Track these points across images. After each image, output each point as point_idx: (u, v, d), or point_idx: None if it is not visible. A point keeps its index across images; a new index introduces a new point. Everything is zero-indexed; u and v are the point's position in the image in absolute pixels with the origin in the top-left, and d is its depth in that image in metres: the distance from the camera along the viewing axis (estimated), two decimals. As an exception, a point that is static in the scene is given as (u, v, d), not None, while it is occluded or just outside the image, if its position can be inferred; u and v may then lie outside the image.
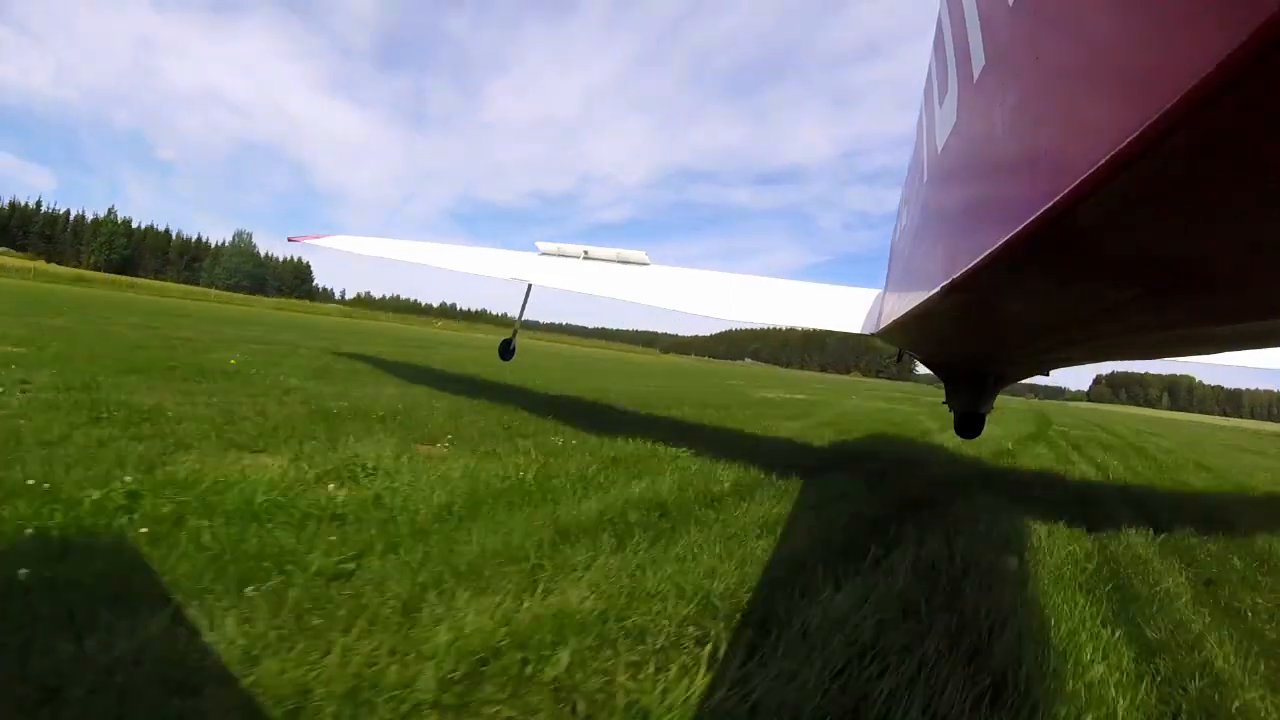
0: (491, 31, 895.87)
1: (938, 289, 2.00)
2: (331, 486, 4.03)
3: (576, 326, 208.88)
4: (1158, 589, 3.96)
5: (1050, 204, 0.95)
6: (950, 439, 10.87)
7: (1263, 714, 2.58)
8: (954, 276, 1.71)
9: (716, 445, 7.61)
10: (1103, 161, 0.78)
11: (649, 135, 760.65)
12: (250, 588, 2.52)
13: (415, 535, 3.33)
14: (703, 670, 2.34)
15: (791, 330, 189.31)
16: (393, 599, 2.56)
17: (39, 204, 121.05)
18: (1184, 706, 2.54)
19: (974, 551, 4.15)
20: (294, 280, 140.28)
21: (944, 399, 6.71)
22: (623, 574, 3.09)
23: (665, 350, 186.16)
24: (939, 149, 2.14)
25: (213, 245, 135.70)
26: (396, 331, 44.14)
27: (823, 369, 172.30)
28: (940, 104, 2.07)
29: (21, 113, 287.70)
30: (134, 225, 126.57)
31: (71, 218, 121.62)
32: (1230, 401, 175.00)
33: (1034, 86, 1.10)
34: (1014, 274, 1.54)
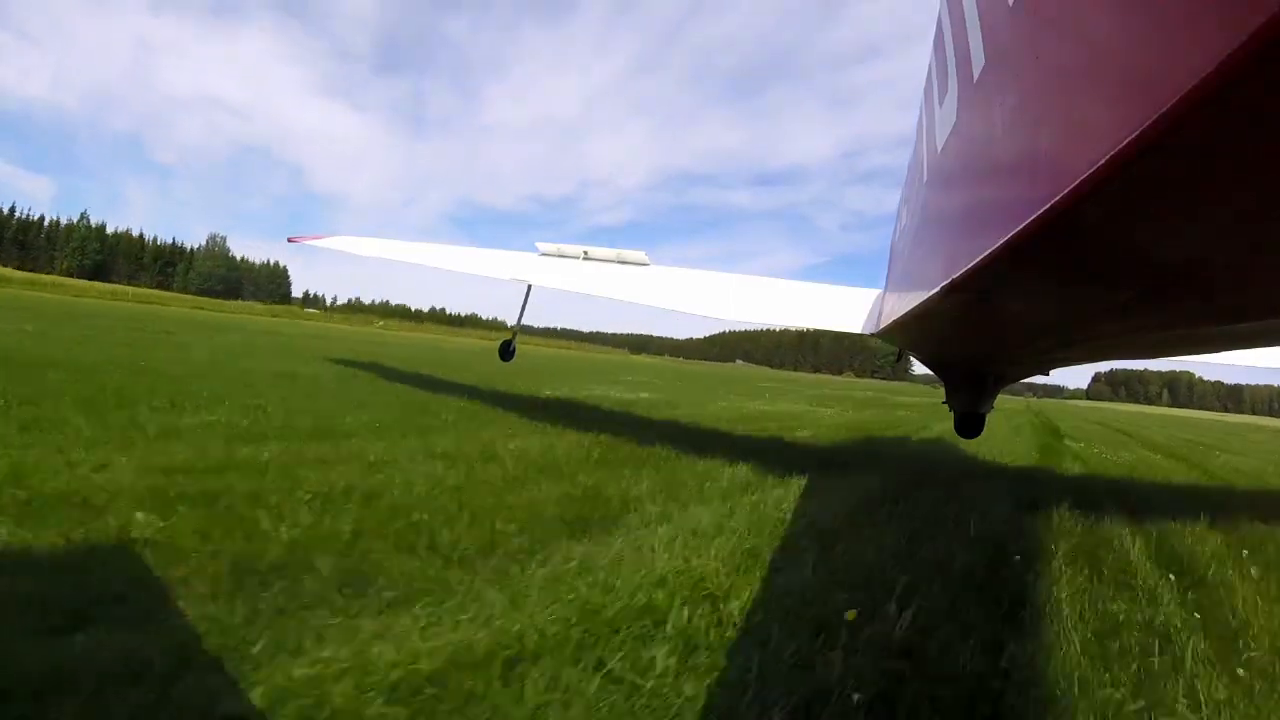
0: (490, 34, 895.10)
1: (938, 289, 2.00)
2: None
3: (571, 330, 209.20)
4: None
5: (1050, 204, 0.95)
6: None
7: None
8: (954, 276, 1.71)
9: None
10: (1103, 162, 0.78)
11: (648, 138, 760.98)
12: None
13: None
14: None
15: (785, 332, 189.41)
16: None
17: (13, 210, 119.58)
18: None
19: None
20: (270, 285, 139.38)
21: (943, 399, 6.71)
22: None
23: (657, 353, 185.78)
24: (939, 149, 2.14)
25: (189, 250, 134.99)
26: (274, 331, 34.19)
27: (816, 370, 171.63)
28: (940, 104, 2.07)
29: (20, 118, 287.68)
30: (109, 230, 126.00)
31: (46, 223, 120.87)
32: (1231, 397, 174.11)
33: (1034, 86, 1.10)
34: (1014, 274, 1.53)
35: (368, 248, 8.95)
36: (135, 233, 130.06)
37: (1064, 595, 3.21)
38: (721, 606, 2.66)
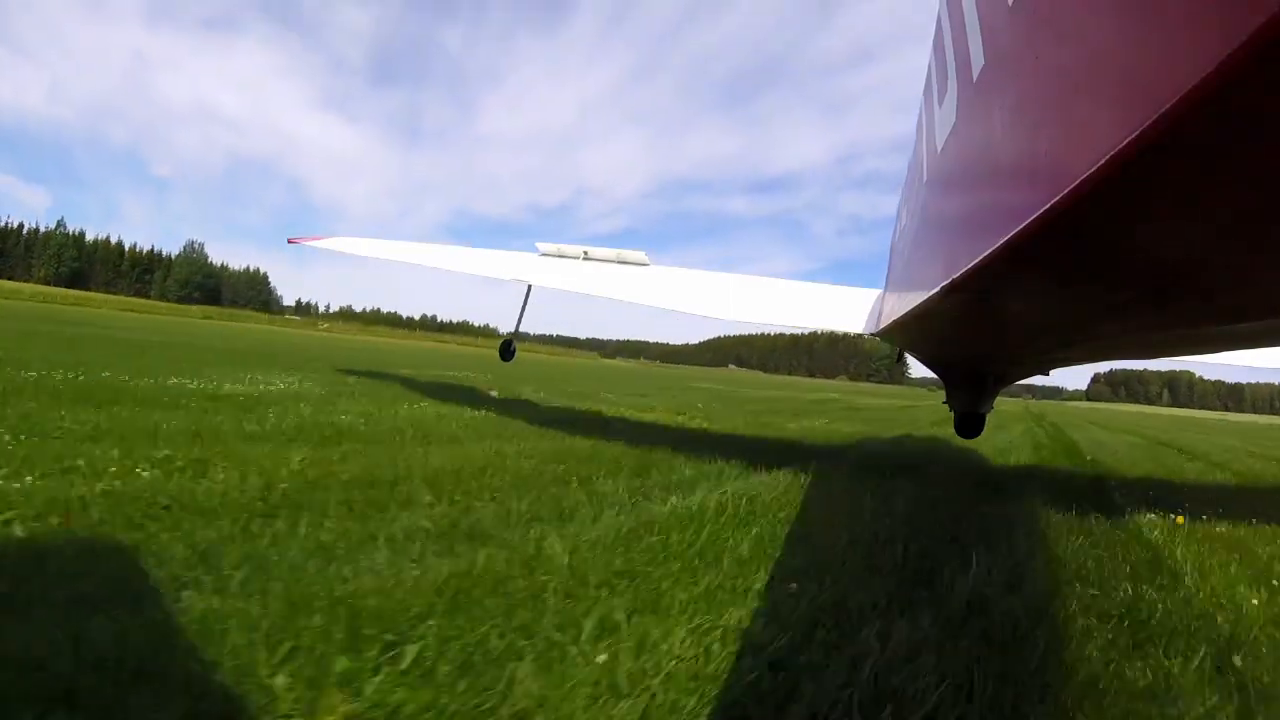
0: (485, 45, 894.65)
1: (938, 289, 2.00)
2: None
3: (568, 336, 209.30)
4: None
5: (1050, 204, 0.95)
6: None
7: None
8: (954, 276, 1.71)
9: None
10: (1102, 162, 0.78)
11: (644, 146, 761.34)
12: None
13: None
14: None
15: (780, 336, 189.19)
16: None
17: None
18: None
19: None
20: (250, 291, 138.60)
21: (943, 399, 6.71)
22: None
23: (653, 359, 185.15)
24: (938, 149, 2.14)
25: (170, 257, 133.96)
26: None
27: (811, 374, 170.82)
28: (940, 104, 2.06)
29: (16, 131, 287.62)
30: (88, 238, 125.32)
31: (25, 231, 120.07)
32: (1232, 396, 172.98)
33: (1033, 87, 1.10)
34: (1014, 274, 1.53)
35: (367, 248, 8.94)
36: (114, 240, 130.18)
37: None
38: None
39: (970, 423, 6.68)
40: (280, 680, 1.68)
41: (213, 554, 2.50)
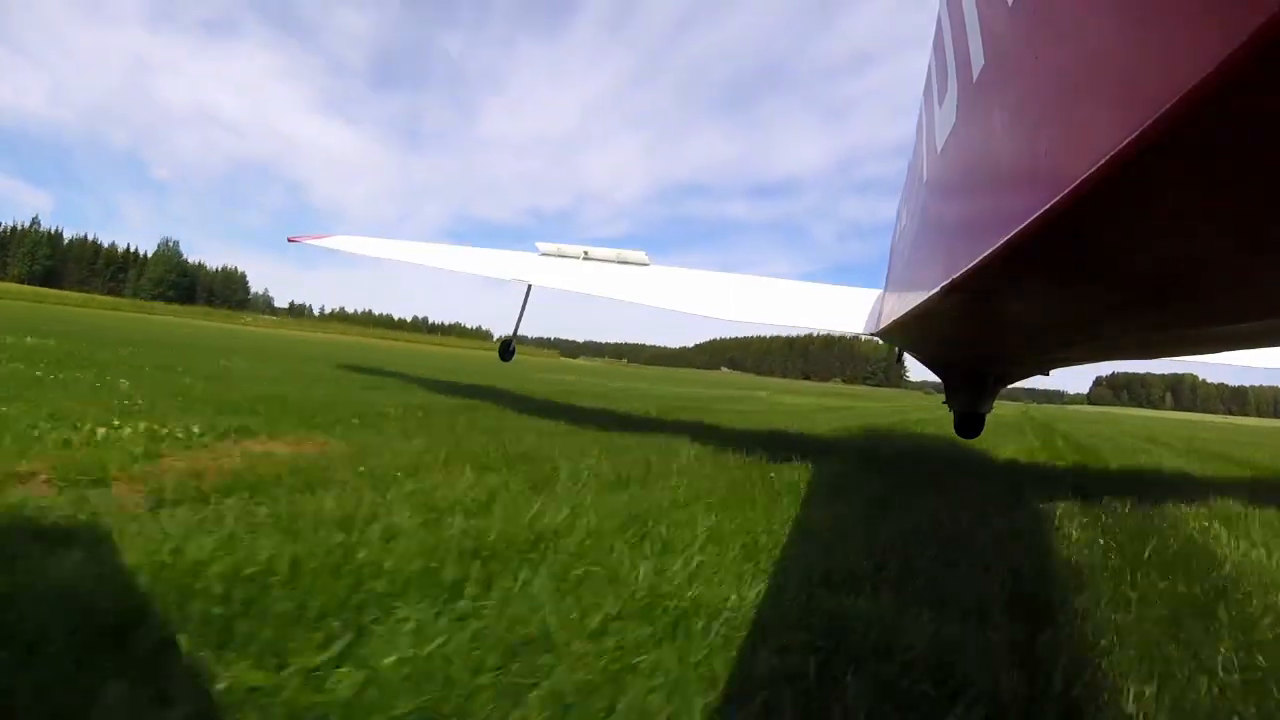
0: (486, 49, 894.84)
1: (938, 289, 2.00)
2: None
3: (567, 340, 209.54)
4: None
5: (1050, 204, 0.95)
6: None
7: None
8: (954, 276, 1.71)
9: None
10: (1102, 162, 0.78)
11: (644, 151, 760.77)
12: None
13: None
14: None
15: (775, 339, 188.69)
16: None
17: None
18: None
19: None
20: (226, 290, 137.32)
21: (943, 399, 6.71)
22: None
23: (647, 362, 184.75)
24: (938, 149, 2.14)
25: (145, 255, 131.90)
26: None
27: (806, 376, 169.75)
28: (940, 104, 2.06)
29: (17, 134, 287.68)
30: (66, 236, 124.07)
31: (1, 229, 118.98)
32: (1235, 399, 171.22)
33: (1033, 87, 1.10)
34: (1014, 274, 1.53)
35: (367, 247, 8.94)
36: (90, 238, 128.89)
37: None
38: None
39: (970, 423, 6.68)
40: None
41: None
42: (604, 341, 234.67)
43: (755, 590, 2.34)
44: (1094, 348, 2.84)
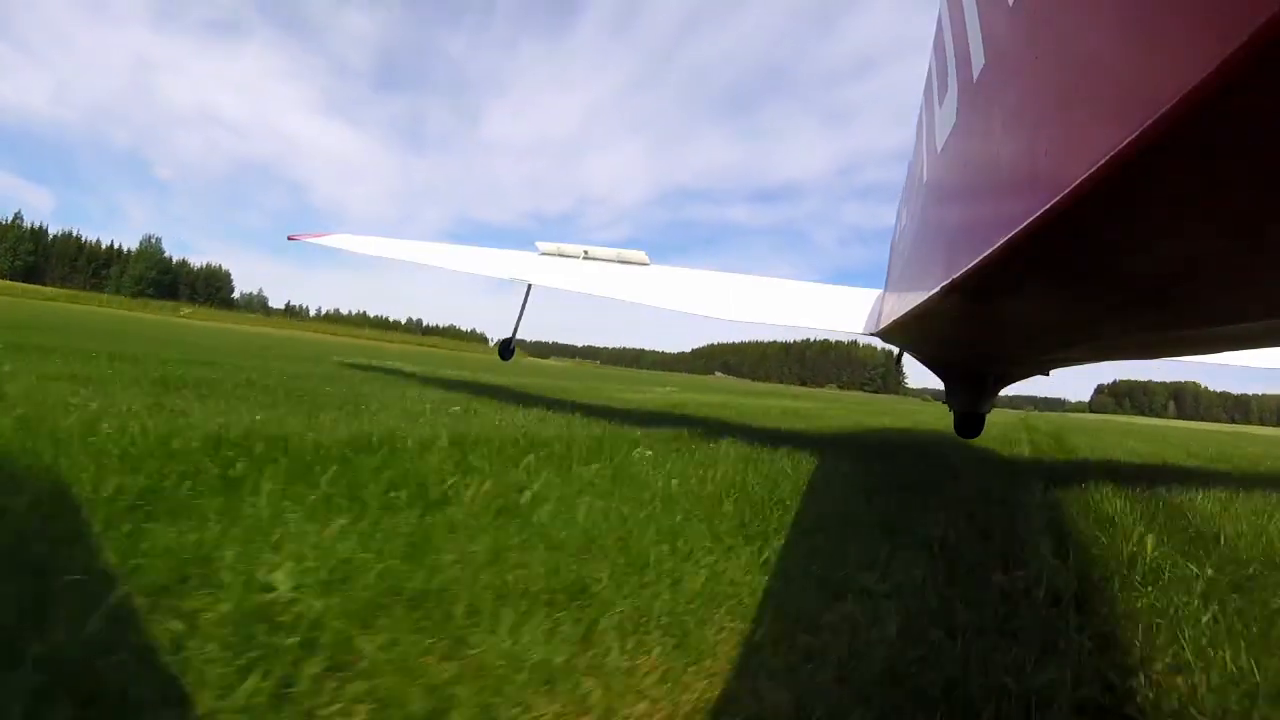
0: (489, 53, 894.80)
1: (938, 289, 2.00)
2: None
3: (565, 344, 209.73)
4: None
5: (1050, 204, 0.95)
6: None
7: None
8: (954, 276, 1.71)
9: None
10: (1103, 162, 0.78)
11: (646, 155, 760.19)
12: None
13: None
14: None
15: (772, 343, 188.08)
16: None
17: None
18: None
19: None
20: (207, 288, 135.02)
21: (944, 399, 6.71)
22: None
23: (646, 366, 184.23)
24: (939, 149, 2.14)
25: (126, 252, 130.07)
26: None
27: (802, 381, 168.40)
28: (940, 104, 2.06)
29: (19, 132, 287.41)
30: (51, 232, 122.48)
31: None
32: (1238, 407, 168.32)
33: (1034, 87, 1.10)
34: (1014, 274, 1.53)
35: (367, 246, 8.93)
36: (73, 234, 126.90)
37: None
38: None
39: (970, 423, 6.68)
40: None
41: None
42: (601, 346, 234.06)
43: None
44: (1094, 348, 2.84)
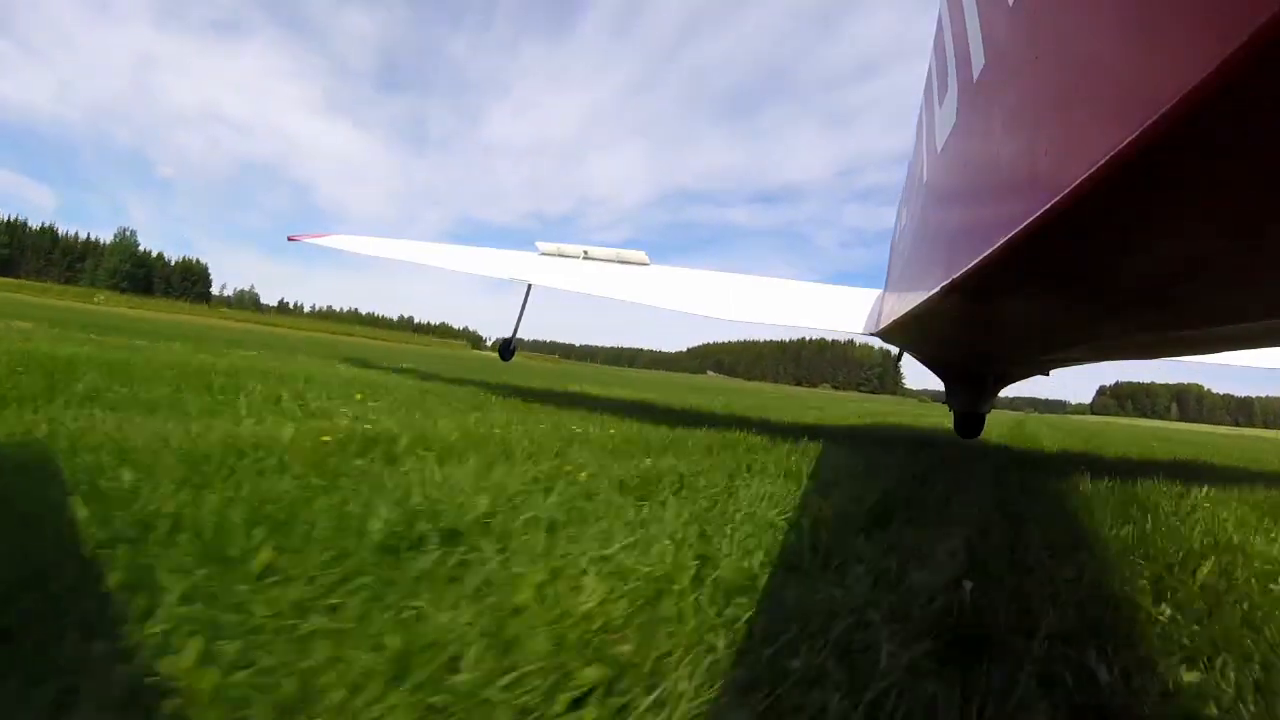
0: (490, 53, 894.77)
1: (938, 289, 2.00)
2: None
3: (563, 343, 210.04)
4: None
5: (1050, 204, 0.95)
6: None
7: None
8: (954, 276, 1.71)
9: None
10: (1102, 162, 0.78)
11: (647, 157, 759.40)
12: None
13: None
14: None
15: (767, 342, 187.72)
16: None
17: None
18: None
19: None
20: (184, 282, 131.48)
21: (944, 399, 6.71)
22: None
23: (643, 365, 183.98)
24: (939, 149, 2.14)
25: (102, 245, 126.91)
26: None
27: (798, 382, 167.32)
28: (940, 104, 2.06)
29: (23, 130, 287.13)
30: (27, 226, 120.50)
31: None
32: (1242, 410, 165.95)
33: (1034, 87, 1.10)
34: (1014, 274, 1.53)
35: (367, 246, 8.93)
36: (48, 227, 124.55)
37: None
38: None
39: (970, 422, 6.69)
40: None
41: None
42: (598, 345, 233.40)
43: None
44: (1095, 348, 2.84)
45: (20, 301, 32.95)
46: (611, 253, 8.13)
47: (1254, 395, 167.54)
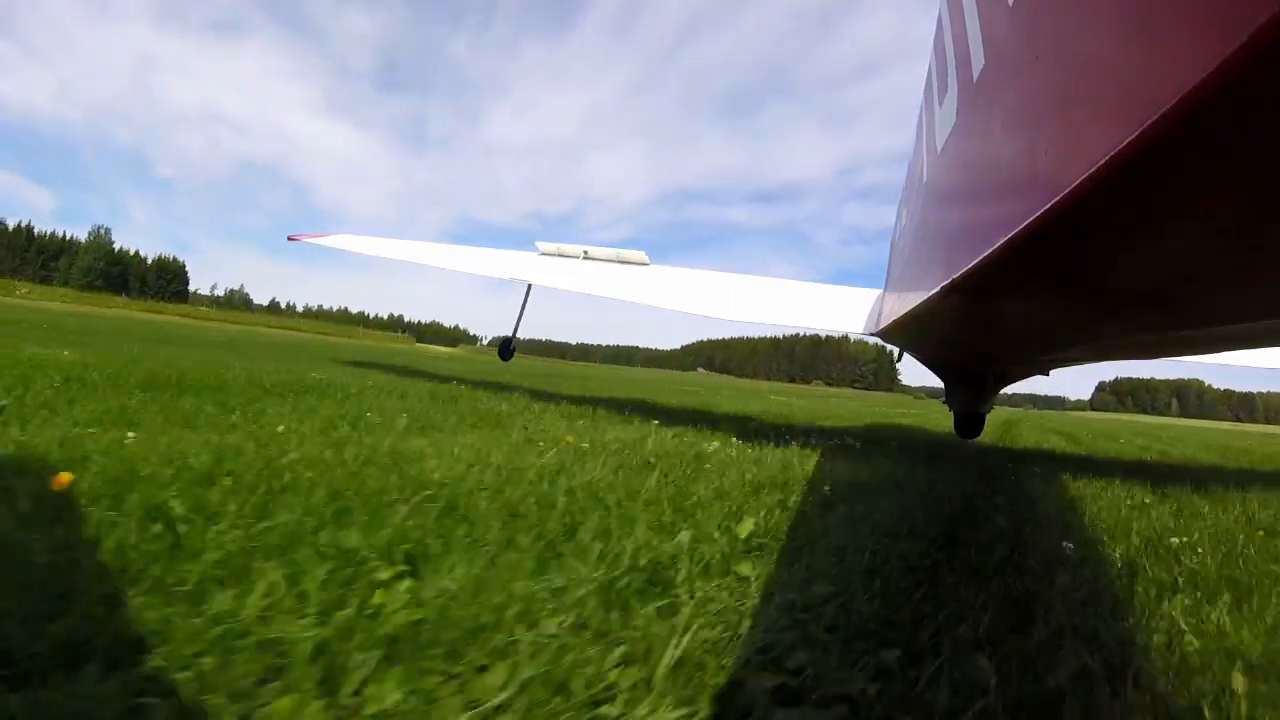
0: (490, 53, 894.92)
1: (938, 289, 2.00)
2: None
3: (559, 342, 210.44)
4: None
5: (1050, 204, 0.95)
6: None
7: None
8: (954, 276, 1.71)
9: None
10: (1102, 162, 0.78)
11: (647, 156, 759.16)
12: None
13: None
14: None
15: (761, 339, 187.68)
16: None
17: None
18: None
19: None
20: (159, 281, 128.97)
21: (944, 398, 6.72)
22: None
23: (639, 363, 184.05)
24: (939, 149, 2.14)
25: (78, 243, 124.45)
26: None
27: (791, 379, 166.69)
28: (940, 104, 2.06)
29: (22, 131, 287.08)
30: (4, 225, 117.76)
31: None
32: (1243, 405, 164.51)
33: (1034, 87, 1.10)
34: (1014, 274, 1.53)
35: (367, 246, 8.93)
36: (23, 225, 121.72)
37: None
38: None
39: (970, 422, 6.69)
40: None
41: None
42: (593, 343, 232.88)
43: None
44: (1094, 348, 2.84)
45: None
46: (611, 253, 8.13)
47: (1256, 391, 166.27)
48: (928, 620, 1.45)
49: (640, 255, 8.08)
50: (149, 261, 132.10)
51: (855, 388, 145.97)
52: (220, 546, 1.43)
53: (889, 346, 7.41)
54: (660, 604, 1.41)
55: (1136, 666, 1.31)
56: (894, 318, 3.82)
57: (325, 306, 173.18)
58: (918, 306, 2.61)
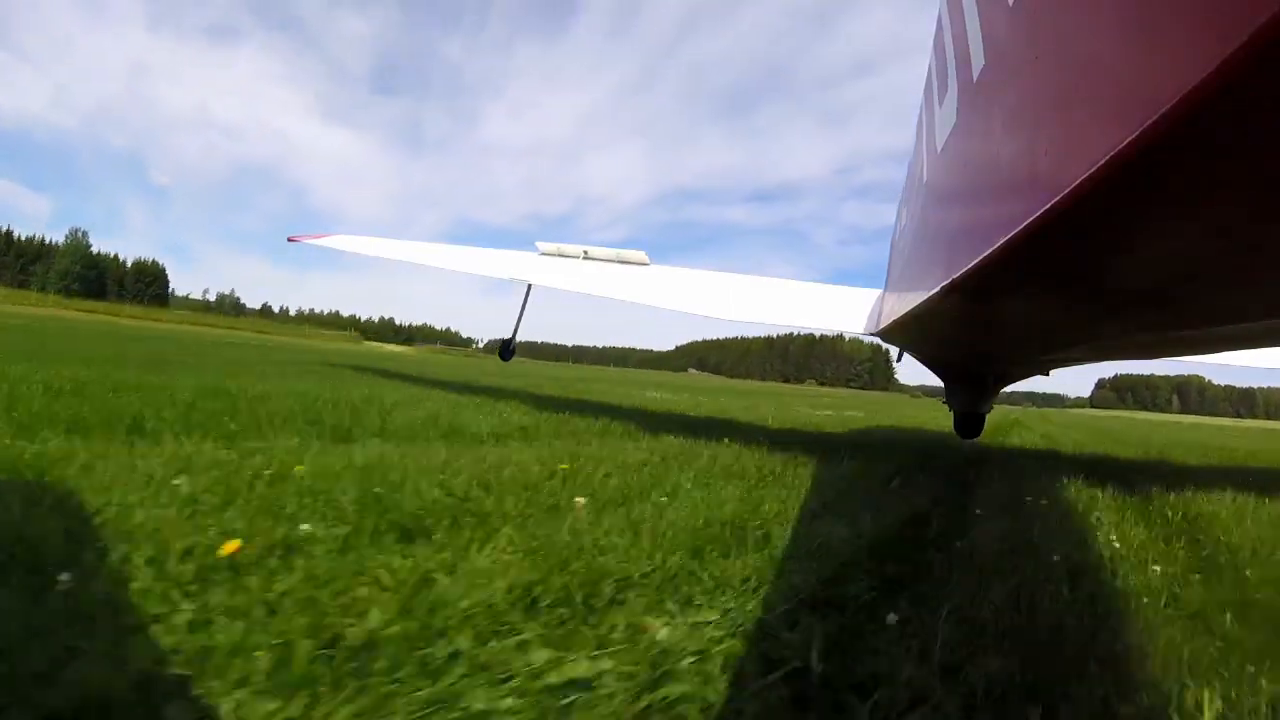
0: (485, 55, 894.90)
1: (938, 289, 2.00)
2: None
3: (556, 344, 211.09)
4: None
5: (1050, 204, 0.95)
6: None
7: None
8: (954, 276, 1.71)
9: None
10: (1103, 162, 0.78)
11: (645, 156, 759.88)
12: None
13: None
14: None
15: (754, 339, 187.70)
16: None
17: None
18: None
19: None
20: (138, 284, 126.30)
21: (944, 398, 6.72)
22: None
23: (635, 364, 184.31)
24: (939, 149, 2.14)
25: (56, 246, 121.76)
26: None
27: (785, 379, 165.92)
28: (940, 104, 2.06)
29: (18, 138, 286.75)
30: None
31: None
32: (1244, 402, 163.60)
33: (1034, 87, 1.10)
34: (1014, 274, 1.53)
35: (366, 246, 8.92)
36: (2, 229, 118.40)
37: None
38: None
39: (970, 423, 6.69)
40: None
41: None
42: (590, 345, 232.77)
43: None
44: (1094, 348, 2.84)
45: None
46: (611, 253, 8.13)
47: (1256, 387, 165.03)
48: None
49: (640, 255, 8.07)
50: (128, 265, 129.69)
51: (850, 387, 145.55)
52: None
53: (884, 346, 7.42)
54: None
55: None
56: (894, 318, 3.82)
57: (318, 310, 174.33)
58: (918, 306, 2.61)
